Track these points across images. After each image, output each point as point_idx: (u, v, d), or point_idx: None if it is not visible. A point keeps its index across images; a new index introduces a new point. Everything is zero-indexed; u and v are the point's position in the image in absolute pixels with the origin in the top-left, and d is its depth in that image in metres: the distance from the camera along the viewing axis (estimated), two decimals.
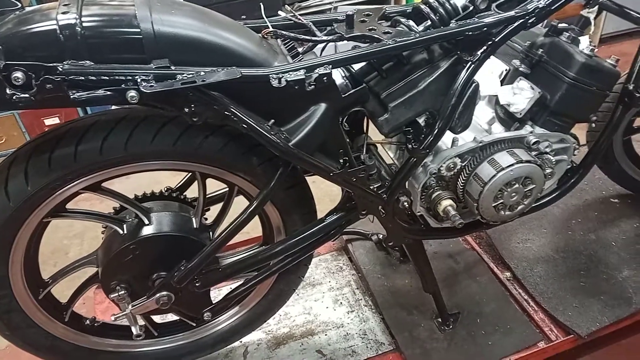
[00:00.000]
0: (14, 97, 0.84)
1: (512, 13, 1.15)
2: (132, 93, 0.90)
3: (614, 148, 1.90)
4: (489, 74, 1.41)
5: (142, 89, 0.89)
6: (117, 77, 0.89)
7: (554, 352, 1.64)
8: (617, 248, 1.91)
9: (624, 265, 1.83)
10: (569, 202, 2.11)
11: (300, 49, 1.19)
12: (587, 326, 1.63)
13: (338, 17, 1.23)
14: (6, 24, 0.92)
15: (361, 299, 1.85)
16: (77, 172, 1.06)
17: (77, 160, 1.04)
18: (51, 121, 2.97)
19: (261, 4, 1.15)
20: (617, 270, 1.81)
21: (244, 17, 1.22)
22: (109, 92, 0.89)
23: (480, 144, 1.28)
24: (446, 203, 1.30)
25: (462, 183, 1.31)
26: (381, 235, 1.96)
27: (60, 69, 0.86)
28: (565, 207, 2.09)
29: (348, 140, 1.26)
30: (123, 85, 0.90)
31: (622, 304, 1.69)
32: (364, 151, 1.27)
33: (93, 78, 0.88)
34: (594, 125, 1.40)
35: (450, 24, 1.15)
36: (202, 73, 0.94)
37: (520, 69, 1.35)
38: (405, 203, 1.31)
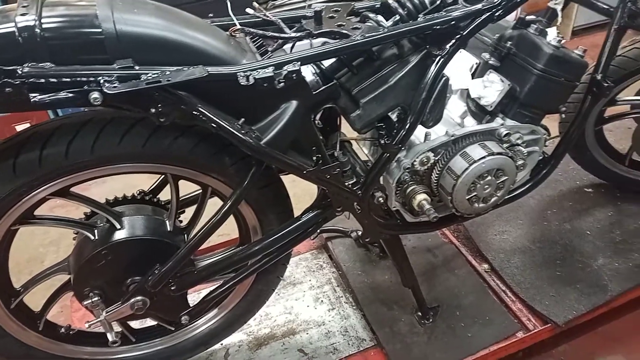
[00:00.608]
0: None
1: (479, 6, 1.16)
2: (95, 95, 0.88)
3: (586, 138, 1.93)
4: (461, 68, 1.42)
5: (106, 90, 0.88)
6: (79, 79, 0.87)
7: (532, 341, 1.67)
8: (592, 237, 1.94)
9: (599, 253, 1.86)
10: (544, 193, 2.14)
11: (270, 47, 1.18)
12: (564, 315, 1.65)
13: (307, 14, 1.22)
14: None
15: (342, 296, 1.84)
16: (43, 177, 1.04)
17: (42, 165, 1.02)
18: (22, 127, 2.90)
19: (228, 1, 1.14)
20: (593, 258, 1.84)
21: (211, 15, 1.20)
22: (71, 95, 0.87)
23: (453, 138, 1.29)
24: (421, 197, 1.30)
25: (435, 177, 1.32)
26: (360, 232, 1.96)
27: (20, 72, 0.84)
28: (540, 198, 2.12)
29: (322, 137, 1.26)
30: (85, 87, 0.88)
31: (597, 292, 1.71)
32: (338, 148, 1.27)
33: (54, 80, 0.86)
34: (563, 116, 1.41)
35: (419, 19, 1.15)
36: (168, 72, 0.93)
37: (490, 62, 1.36)
38: (381, 199, 1.31)
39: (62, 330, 1.37)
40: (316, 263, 2.00)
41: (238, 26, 1.13)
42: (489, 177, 1.30)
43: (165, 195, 1.36)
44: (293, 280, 1.91)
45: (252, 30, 1.14)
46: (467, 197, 1.31)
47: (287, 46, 1.23)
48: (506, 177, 1.32)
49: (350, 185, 1.26)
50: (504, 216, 2.03)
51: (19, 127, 2.88)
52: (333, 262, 1.98)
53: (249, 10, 1.21)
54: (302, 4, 3.42)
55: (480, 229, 1.99)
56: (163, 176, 1.37)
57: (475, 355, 1.58)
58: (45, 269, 1.28)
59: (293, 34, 1.15)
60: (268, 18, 1.20)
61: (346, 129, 1.34)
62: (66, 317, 1.85)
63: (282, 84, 1.03)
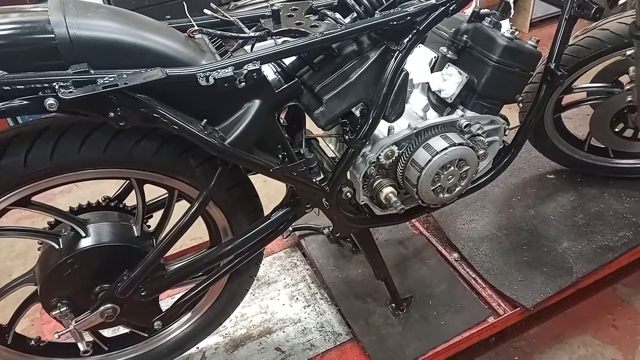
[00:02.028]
0: None
1: (433, 1, 1.18)
2: (50, 101, 0.86)
3: (546, 127, 1.99)
4: (420, 62, 1.45)
5: (61, 96, 0.86)
6: (33, 86, 0.86)
7: (503, 325, 1.71)
8: (555, 221, 2.00)
9: (563, 237, 1.92)
10: (508, 181, 2.20)
11: (230, 48, 1.19)
12: (532, 298, 1.70)
13: (265, 13, 1.23)
14: None
15: (317, 293, 1.86)
16: (2, 187, 1.02)
17: (0, 175, 1.00)
18: None
19: (184, 2, 1.13)
20: (557, 242, 1.90)
21: (168, 17, 1.20)
22: (25, 102, 0.86)
23: (415, 131, 1.31)
24: (387, 190, 1.32)
25: (400, 170, 1.34)
26: (332, 229, 1.98)
27: None
28: (505, 186, 2.18)
29: (287, 135, 1.27)
30: (40, 93, 0.86)
31: (563, 274, 1.77)
32: (304, 145, 1.28)
33: (7, 88, 0.84)
34: (520, 105, 1.46)
35: (375, 15, 1.17)
36: (125, 75, 0.92)
37: (448, 55, 1.39)
38: (348, 194, 1.33)
39: (32, 342, 1.34)
40: (290, 261, 2.00)
41: (195, 27, 1.12)
42: (452, 168, 1.33)
43: (131, 200, 1.35)
44: (268, 280, 1.92)
45: (210, 30, 1.14)
46: (431, 188, 1.33)
47: (248, 46, 1.23)
48: (468, 167, 1.36)
49: (317, 182, 1.28)
50: (470, 205, 2.08)
51: None
52: (307, 260, 2.00)
53: (206, 10, 1.21)
54: (265, 4, 3.41)
55: (448, 219, 2.02)
56: (128, 181, 1.36)
57: (449, 342, 1.62)
58: (11, 281, 1.26)
59: (252, 34, 1.15)
60: (227, 18, 1.20)
61: (312, 126, 1.35)
62: (37, 330, 1.82)
63: (243, 84, 1.03)
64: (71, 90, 0.87)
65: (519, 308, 1.70)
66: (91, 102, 0.90)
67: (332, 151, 1.46)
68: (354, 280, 1.85)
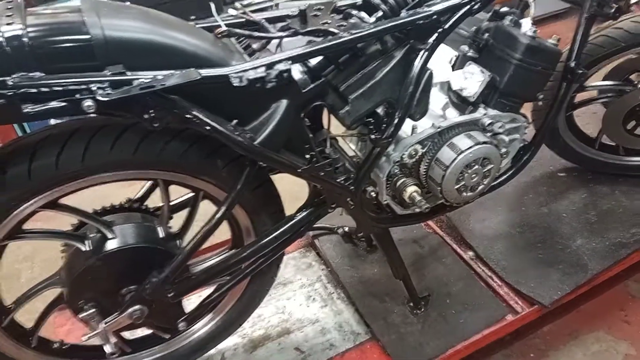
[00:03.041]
0: None
1: (457, 0, 1.19)
2: (88, 102, 0.86)
3: (558, 125, 2.00)
4: (440, 61, 1.45)
5: (99, 98, 0.86)
6: (71, 87, 0.85)
7: (521, 323, 1.72)
8: (568, 219, 2.01)
9: (576, 234, 1.93)
10: (520, 179, 2.19)
11: (256, 47, 1.19)
12: (549, 295, 1.71)
13: (290, 13, 1.23)
14: None
15: (333, 293, 1.86)
16: (33, 190, 1.01)
17: (32, 178, 0.99)
18: None
19: (211, 3, 1.13)
20: (571, 239, 1.91)
21: (193, 17, 1.20)
22: (63, 104, 0.85)
23: (439, 129, 1.31)
24: (411, 189, 1.32)
25: (424, 169, 1.34)
26: (347, 228, 1.98)
27: (11, 83, 0.81)
28: (516, 185, 2.18)
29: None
30: (78, 95, 0.86)
31: (579, 271, 1.78)
32: (328, 145, 1.28)
33: (46, 90, 0.84)
34: (540, 103, 1.46)
35: (402, 14, 1.17)
36: (160, 77, 0.92)
37: (469, 54, 1.40)
38: (373, 193, 1.33)
39: (56, 345, 1.33)
40: (305, 261, 2.00)
41: (224, 28, 1.12)
42: (476, 166, 1.33)
43: (151, 202, 1.35)
44: (283, 280, 1.91)
45: (238, 31, 1.14)
46: (455, 187, 1.34)
47: (271, 46, 1.24)
48: (492, 165, 1.36)
49: (342, 181, 1.28)
50: (483, 204, 2.08)
51: None
52: (321, 260, 2.00)
53: (231, 11, 1.20)
54: (269, 4, 3.42)
55: (462, 218, 2.03)
56: (150, 183, 1.35)
57: (469, 340, 1.62)
58: (37, 284, 1.25)
59: (280, 34, 1.15)
60: (251, 18, 1.20)
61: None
62: (49, 334, 1.81)
63: (273, 84, 1.03)
64: (109, 92, 0.87)
65: (536, 305, 1.71)
66: (127, 103, 0.90)
67: (353, 151, 1.46)
68: (370, 280, 1.86)
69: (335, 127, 1.31)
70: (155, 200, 1.35)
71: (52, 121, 2.60)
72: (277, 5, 3.41)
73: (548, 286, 1.74)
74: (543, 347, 1.89)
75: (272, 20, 1.23)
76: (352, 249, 1.97)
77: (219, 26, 1.14)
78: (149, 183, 1.35)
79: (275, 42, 1.22)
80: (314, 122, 1.36)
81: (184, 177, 1.17)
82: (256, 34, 1.14)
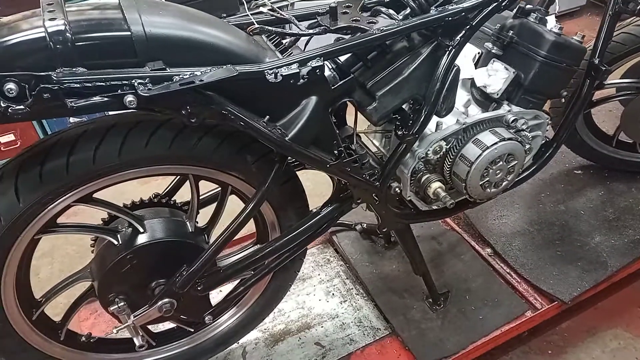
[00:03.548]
0: (9, 110, 0.81)
1: None
2: (130, 98, 0.88)
3: (576, 122, 2.00)
4: (464, 58, 1.46)
5: (140, 93, 0.87)
6: (113, 83, 0.87)
7: (540, 319, 1.73)
8: (586, 216, 2.02)
9: (595, 231, 1.94)
10: (536, 176, 2.16)
11: (285, 44, 1.20)
12: (569, 292, 1.72)
13: (319, 10, 1.24)
14: None
15: (352, 288, 1.87)
16: (70, 184, 1.03)
17: (70, 172, 1.01)
18: (6, 138, 2.83)
19: (244, 1, 1.14)
20: (590, 237, 1.92)
21: (224, 15, 1.21)
22: (106, 99, 0.87)
23: (464, 126, 1.32)
24: (436, 185, 1.33)
25: (448, 165, 1.35)
26: (365, 224, 2.00)
27: (55, 77, 0.83)
28: (533, 182, 2.19)
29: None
30: (119, 91, 0.87)
31: (598, 268, 1.79)
32: (354, 141, 1.29)
33: (89, 85, 0.85)
34: (563, 100, 1.47)
35: (431, 11, 1.18)
36: (198, 73, 0.93)
37: (493, 51, 1.40)
38: (397, 189, 1.34)
39: (83, 338, 1.35)
40: (323, 257, 2.02)
41: (256, 25, 1.13)
42: (501, 162, 1.34)
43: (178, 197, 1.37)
44: (302, 276, 1.93)
45: (270, 28, 1.15)
46: (480, 183, 1.35)
47: (300, 43, 1.25)
48: (516, 162, 1.37)
49: (367, 177, 1.29)
50: (500, 201, 2.09)
51: (3, 139, 2.81)
52: (339, 256, 2.01)
53: (262, 8, 1.22)
54: (284, 3, 3.42)
55: (479, 215, 2.04)
56: (178, 178, 1.37)
57: (489, 336, 1.63)
58: (67, 277, 1.27)
59: (310, 31, 1.16)
60: (281, 16, 1.21)
61: (351, 122, 1.37)
62: (73, 327, 1.83)
63: (305, 80, 1.05)
64: (149, 87, 0.88)
65: (556, 302, 1.72)
66: (167, 99, 0.91)
67: (376, 147, 1.47)
68: (389, 276, 1.87)
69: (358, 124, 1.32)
70: (180, 196, 1.38)
71: (72, 120, 2.62)
72: (292, 4, 3.41)
73: (567, 283, 1.75)
74: (561, 344, 1.90)
75: (301, 18, 1.24)
76: (370, 246, 1.99)
77: (250, 23, 1.16)
78: (176, 178, 1.36)
79: (304, 39, 1.23)
80: (338, 118, 1.38)
81: (214, 172, 1.19)
82: (288, 31, 1.15)
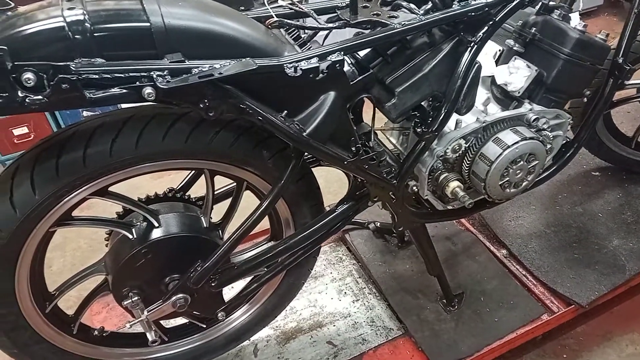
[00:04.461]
0: (27, 100, 0.80)
1: None
2: (148, 90, 0.86)
3: None
4: (484, 55, 1.43)
5: (159, 85, 0.86)
6: (132, 74, 0.85)
7: (557, 323, 1.70)
8: (604, 219, 1.98)
9: (613, 234, 1.90)
10: (553, 178, 2.15)
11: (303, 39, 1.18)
12: (586, 296, 1.69)
13: (339, 4, 1.22)
14: (6, 24, 0.86)
15: (365, 288, 1.85)
16: (86, 176, 1.02)
17: (87, 165, 1.00)
18: (20, 131, 2.84)
19: None
20: (607, 240, 1.88)
21: (242, 7, 1.19)
22: (124, 90, 0.85)
23: (484, 124, 1.30)
24: (454, 184, 1.31)
25: (467, 164, 1.33)
26: (378, 223, 1.97)
27: (74, 68, 0.82)
28: (550, 183, 2.14)
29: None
30: (138, 83, 0.86)
31: (616, 272, 1.75)
32: (372, 138, 1.27)
33: (108, 76, 0.84)
34: (585, 99, 1.44)
35: (454, 6, 1.15)
36: (217, 66, 0.92)
37: (515, 48, 1.38)
38: (415, 187, 1.32)
39: (96, 332, 1.35)
40: (335, 255, 2.00)
41: (275, 18, 1.12)
42: (522, 162, 1.32)
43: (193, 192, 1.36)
44: (314, 274, 1.91)
45: (289, 22, 1.13)
46: (499, 183, 1.32)
47: (318, 37, 1.23)
48: (537, 162, 1.34)
49: (385, 175, 1.27)
50: (516, 202, 2.06)
51: (17, 131, 2.82)
52: (352, 254, 1.99)
53: (280, 2, 1.20)
54: None
55: (495, 216, 2.01)
56: (193, 173, 1.36)
57: (504, 339, 1.61)
58: (80, 271, 1.26)
59: (330, 25, 1.14)
60: (300, 9, 1.19)
61: (368, 119, 1.35)
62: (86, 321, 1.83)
63: (324, 74, 1.03)
64: (168, 79, 0.87)
65: (573, 305, 1.69)
66: (185, 92, 0.90)
67: (393, 144, 1.45)
68: (402, 276, 1.85)
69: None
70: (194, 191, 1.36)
71: (85, 113, 2.62)
72: None
73: (585, 286, 1.72)
74: (576, 348, 1.86)
75: (321, 11, 1.22)
76: (383, 245, 1.97)
77: (269, 16, 1.14)
78: (191, 173, 1.35)
79: (321, 33, 1.21)
80: (355, 115, 1.36)
81: (230, 167, 1.17)
82: (308, 25, 1.13)
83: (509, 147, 1.27)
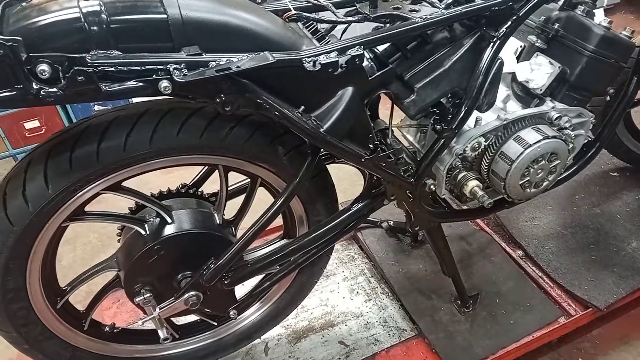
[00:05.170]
0: (42, 92, 0.78)
1: None
2: (165, 83, 0.84)
3: None
4: (505, 51, 1.40)
5: (176, 79, 0.84)
6: (148, 67, 0.83)
7: (574, 326, 1.66)
8: (622, 220, 1.94)
9: (631, 236, 1.86)
10: None
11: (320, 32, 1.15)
12: (604, 299, 1.65)
13: None
14: (21, 15, 0.85)
15: (377, 287, 1.83)
16: (100, 171, 1.00)
17: (100, 159, 0.98)
18: (31, 124, 2.84)
19: None
20: (626, 242, 1.84)
21: (259, 0, 1.17)
22: (140, 83, 0.83)
23: (505, 122, 1.27)
24: (473, 184, 1.28)
25: (487, 163, 1.30)
26: (391, 222, 1.95)
27: (90, 60, 0.80)
28: (567, 183, 2.05)
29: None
30: (154, 76, 0.84)
31: (635, 275, 1.71)
32: (389, 135, 1.24)
33: (124, 69, 0.82)
34: (608, 98, 1.40)
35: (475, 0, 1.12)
36: (235, 59, 0.89)
37: (537, 44, 1.34)
38: (432, 186, 1.29)
39: (107, 328, 1.33)
40: (347, 254, 1.98)
41: (293, 12, 1.09)
42: (543, 162, 1.28)
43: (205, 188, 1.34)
44: (326, 272, 1.87)
45: (308, 15, 1.11)
46: (520, 182, 1.29)
47: (336, 32, 1.20)
48: (559, 161, 1.31)
49: (402, 173, 1.24)
50: (533, 202, 2.01)
51: (28, 125, 2.82)
52: (364, 253, 1.97)
53: None
54: None
55: (510, 216, 1.97)
56: (206, 169, 1.34)
57: (520, 342, 1.57)
58: (92, 267, 1.25)
59: (350, 18, 1.11)
60: (318, 2, 1.17)
61: (384, 116, 1.32)
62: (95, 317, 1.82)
63: (343, 69, 1.00)
64: (185, 73, 0.85)
65: (590, 309, 1.65)
66: (202, 85, 0.88)
67: (410, 142, 1.42)
68: (416, 276, 1.82)
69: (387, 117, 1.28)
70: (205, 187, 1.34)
71: (96, 107, 2.62)
72: None
73: (603, 289, 1.68)
74: (592, 352, 1.83)
75: (339, 5, 1.19)
76: (396, 244, 1.94)
77: (287, 10, 1.11)
78: (204, 169, 1.33)
79: (340, 27, 1.19)
80: (371, 111, 1.33)
81: (244, 163, 1.15)
82: (327, 18, 1.11)
83: (530, 145, 1.24)
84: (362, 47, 1.00)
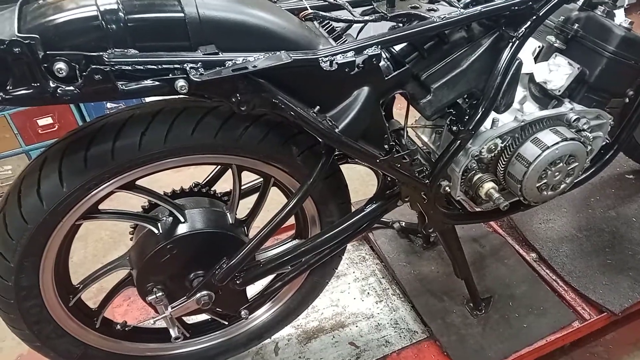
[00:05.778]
0: (59, 91, 0.77)
1: None
2: (181, 82, 0.83)
3: None
4: (522, 52, 1.38)
5: (192, 78, 0.83)
6: (165, 66, 0.83)
7: (588, 330, 1.64)
8: (638, 223, 1.91)
9: None
10: None
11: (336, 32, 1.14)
12: (619, 303, 1.63)
13: None
14: (38, 13, 0.84)
15: (388, 288, 1.81)
16: (115, 170, 1.00)
17: (115, 158, 0.98)
18: (44, 121, 2.84)
19: None
20: None
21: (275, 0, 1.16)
22: (157, 82, 0.83)
23: (522, 123, 1.25)
24: (488, 186, 1.26)
25: (503, 164, 1.28)
26: (403, 223, 1.93)
27: (107, 58, 0.79)
28: (582, 186, 2.06)
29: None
30: (171, 75, 0.83)
31: None
32: (404, 136, 1.23)
33: (140, 67, 0.81)
34: (627, 100, 1.37)
35: None
36: (251, 59, 0.89)
37: (555, 44, 1.32)
38: (447, 188, 1.28)
39: (118, 326, 1.33)
40: (358, 255, 1.96)
41: (310, 10, 1.08)
42: (561, 164, 1.26)
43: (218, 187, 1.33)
44: (337, 273, 1.84)
45: (324, 14, 1.10)
46: (537, 185, 1.27)
47: (352, 31, 1.19)
48: (577, 164, 1.29)
49: (417, 174, 1.23)
50: (547, 204, 1.98)
51: (41, 122, 2.82)
52: (375, 254, 1.95)
53: None
54: None
55: (524, 218, 1.95)
56: (219, 168, 1.34)
57: (533, 346, 1.56)
58: (105, 265, 1.25)
59: (366, 17, 1.10)
60: (335, 1, 1.15)
61: (398, 117, 1.31)
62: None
63: (358, 69, 0.99)
64: (201, 72, 0.84)
65: (605, 313, 1.63)
66: (218, 85, 0.87)
67: (425, 143, 1.40)
68: (427, 277, 1.80)
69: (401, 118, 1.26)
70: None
71: (109, 105, 2.62)
72: None
73: (618, 293, 1.66)
74: (606, 356, 1.80)
75: (356, 4, 1.18)
76: (407, 245, 1.92)
77: (303, 8, 1.10)
78: (217, 168, 1.33)
79: (356, 26, 1.17)
80: (386, 111, 1.32)
81: (258, 163, 1.14)
82: (344, 17, 1.09)
83: (548, 147, 1.22)
84: (379, 46, 0.99)
